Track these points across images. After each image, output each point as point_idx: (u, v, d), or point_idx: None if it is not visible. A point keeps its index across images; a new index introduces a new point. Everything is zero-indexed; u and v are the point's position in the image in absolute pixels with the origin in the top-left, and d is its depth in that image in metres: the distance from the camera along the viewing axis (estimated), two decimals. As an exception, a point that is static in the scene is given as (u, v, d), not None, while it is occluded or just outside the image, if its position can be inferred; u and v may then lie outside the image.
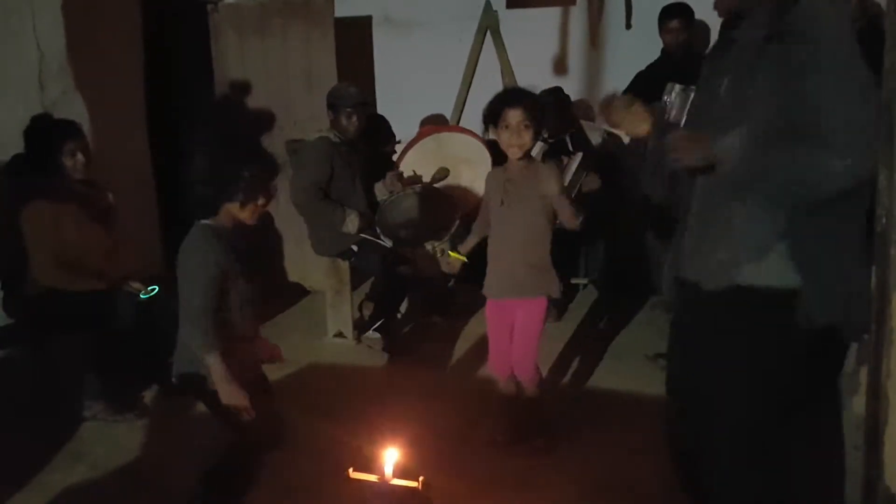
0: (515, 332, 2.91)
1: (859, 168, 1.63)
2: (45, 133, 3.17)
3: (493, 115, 2.78)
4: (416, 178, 4.48)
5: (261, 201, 2.42)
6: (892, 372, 1.58)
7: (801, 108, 1.69)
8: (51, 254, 3.11)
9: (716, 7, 2.03)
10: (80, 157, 3.17)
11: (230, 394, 2.35)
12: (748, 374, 1.85)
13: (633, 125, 2.24)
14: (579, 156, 4.31)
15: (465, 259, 3.06)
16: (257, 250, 2.70)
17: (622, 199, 4.45)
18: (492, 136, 2.85)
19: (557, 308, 4.45)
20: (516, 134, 2.72)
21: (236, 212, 2.40)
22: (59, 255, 3.12)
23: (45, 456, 2.92)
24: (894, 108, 1.53)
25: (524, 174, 2.81)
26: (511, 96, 2.81)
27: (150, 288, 3.25)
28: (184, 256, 2.39)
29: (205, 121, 5.02)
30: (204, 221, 2.42)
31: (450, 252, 3.05)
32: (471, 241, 3.07)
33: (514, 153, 2.78)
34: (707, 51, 2.29)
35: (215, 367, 2.33)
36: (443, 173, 4.43)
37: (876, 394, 1.60)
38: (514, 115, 2.72)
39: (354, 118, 3.96)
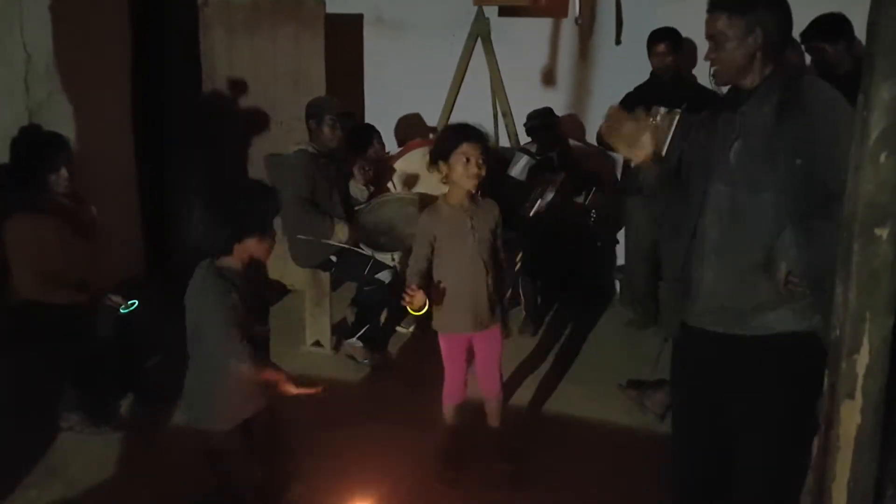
0: (479, 360, 2.96)
1: None
2: (31, 147, 3.17)
3: (448, 147, 2.75)
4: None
5: (275, 234, 2.28)
6: (837, 475, 1.66)
7: (832, 172, 1.79)
8: (32, 267, 3.13)
9: (714, 76, 2.05)
10: (63, 172, 3.17)
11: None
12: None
13: (628, 149, 2.10)
14: (561, 176, 4.40)
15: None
16: (264, 294, 2.52)
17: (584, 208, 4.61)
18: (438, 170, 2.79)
19: (535, 323, 4.53)
20: (476, 167, 2.72)
21: (254, 247, 2.25)
22: (40, 268, 3.13)
23: (22, 469, 2.97)
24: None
25: (480, 208, 2.83)
26: (472, 132, 2.79)
27: (129, 302, 3.27)
28: (197, 300, 2.24)
29: (191, 118, 4.99)
30: (211, 261, 2.26)
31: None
32: (422, 283, 2.79)
33: (472, 185, 2.77)
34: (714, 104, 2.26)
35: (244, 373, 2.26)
36: (414, 180, 4.47)
37: (821, 495, 1.68)
38: (475, 150, 2.73)
39: (337, 127, 3.92)
